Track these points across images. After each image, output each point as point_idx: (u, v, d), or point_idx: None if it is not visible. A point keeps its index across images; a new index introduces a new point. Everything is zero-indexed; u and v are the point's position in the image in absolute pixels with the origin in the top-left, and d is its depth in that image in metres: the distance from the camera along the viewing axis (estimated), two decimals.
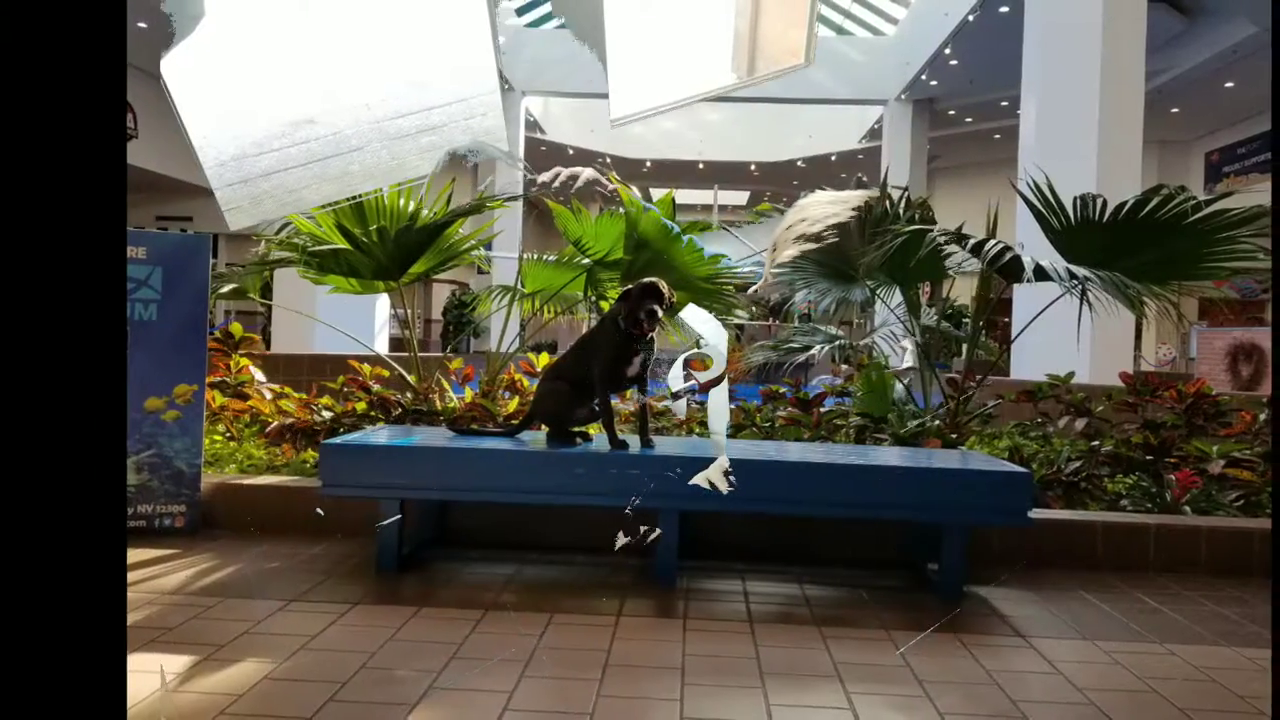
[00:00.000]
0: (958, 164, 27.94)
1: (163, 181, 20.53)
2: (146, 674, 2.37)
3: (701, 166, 30.84)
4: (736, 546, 3.90)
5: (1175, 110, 20.48)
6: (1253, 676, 2.67)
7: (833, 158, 28.96)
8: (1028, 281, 4.68)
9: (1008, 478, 3.35)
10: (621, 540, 2.99)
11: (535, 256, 5.59)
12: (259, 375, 5.56)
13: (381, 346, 11.41)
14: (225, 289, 5.70)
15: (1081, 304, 4.63)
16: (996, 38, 17.32)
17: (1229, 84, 18.59)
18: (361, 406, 4.88)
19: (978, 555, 3.78)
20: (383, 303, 11.22)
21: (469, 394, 5.22)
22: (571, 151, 27.88)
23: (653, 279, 3.53)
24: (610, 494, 3.39)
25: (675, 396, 3.29)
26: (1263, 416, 4.89)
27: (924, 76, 21.31)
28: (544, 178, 5.03)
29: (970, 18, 17.45)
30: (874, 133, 26.01)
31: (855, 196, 5.12)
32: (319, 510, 3.93)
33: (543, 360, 5.56)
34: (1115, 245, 4.70)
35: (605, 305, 5.43)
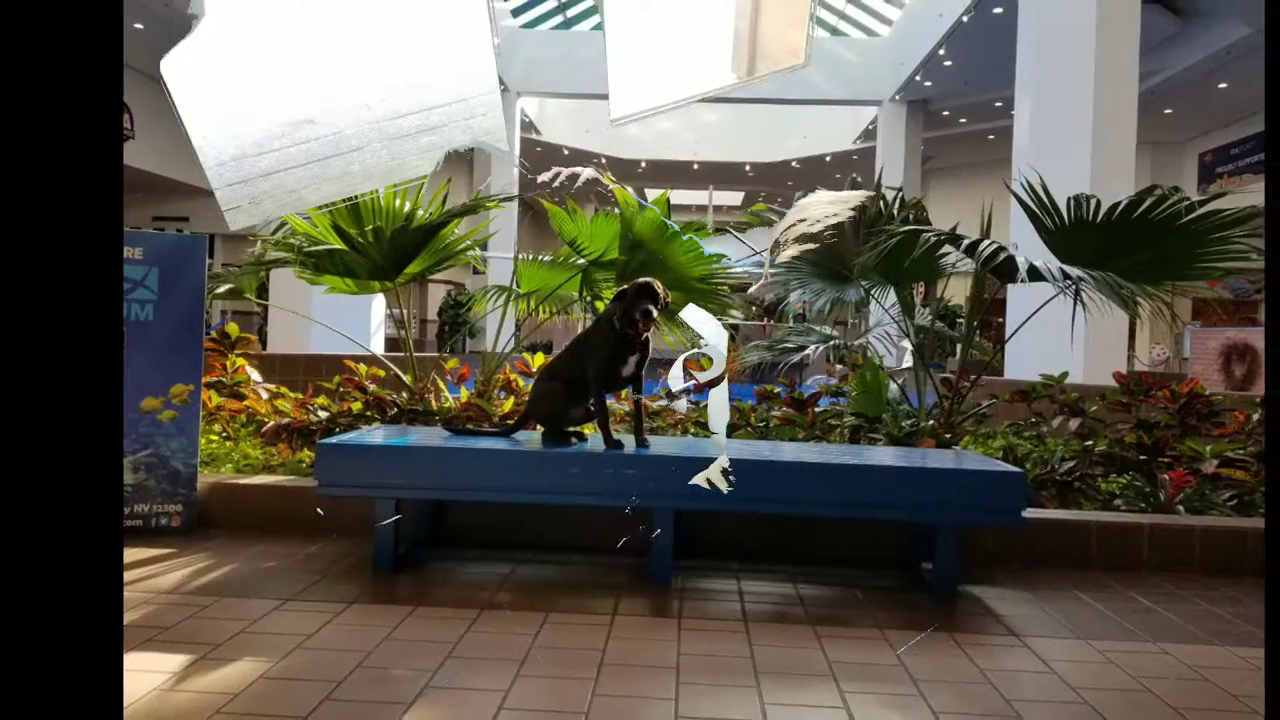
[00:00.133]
0: (952, 164, 27.99)
1: (159, 182, 20.54)
2: (143, 673, 2.37)
3: (696, 167, 30.86)
4: (731, 546, 3.91)
5: (1169, 111, 20.53)
6: (1246, 676, 2.68)
7: (827, 158, 29.00)
8: (1022, 282, 4.69)
9: (1002, 477, 3.36)
10: (626, 539, 2.99)
11: (530, 257, 5.59)
12: (255, 375, 5.56)
13: (377, 346, 11.40)
14: (221, 289, 5.70)
15: (1075, 304, 4.64)
16: (990, 39, 17.35)
17: (1222, 85, 18.64)
18: (357, 406, 4.88)
19: (972, 555, 3.79)
20: (378, 303, 11.22)
21: (464, 394, 5.23)
22: (567, 152, 27.89)
23: (648, 279, 3.54)
24: (605, 494, 3.40)
25: (671, 396, 3.31)
26: (1256, 416, 4.90)
27: (918, 77, 21.34)
28: (544, 177, 5.03)
29: (964, 19, 17.48)
30: (868, 133, 26.05)
31: (855, 196, 5.12)
32: (319, 510, 3.94)
33: (538, 360, 5.56)
34: (1109, 246, 4.72)
35: (600, 305, 5.44)
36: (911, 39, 20.68)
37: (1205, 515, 4.13)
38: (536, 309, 5.79)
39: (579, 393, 3.64)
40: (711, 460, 3.30)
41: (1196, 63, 17.39)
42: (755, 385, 6.15)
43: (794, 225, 4.61)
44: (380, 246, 4.91)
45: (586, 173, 5.16)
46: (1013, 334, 5.79)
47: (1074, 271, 4.54)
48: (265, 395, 5.31)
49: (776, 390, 5.71)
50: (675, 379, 3.29)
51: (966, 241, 4.73)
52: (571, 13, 24.28)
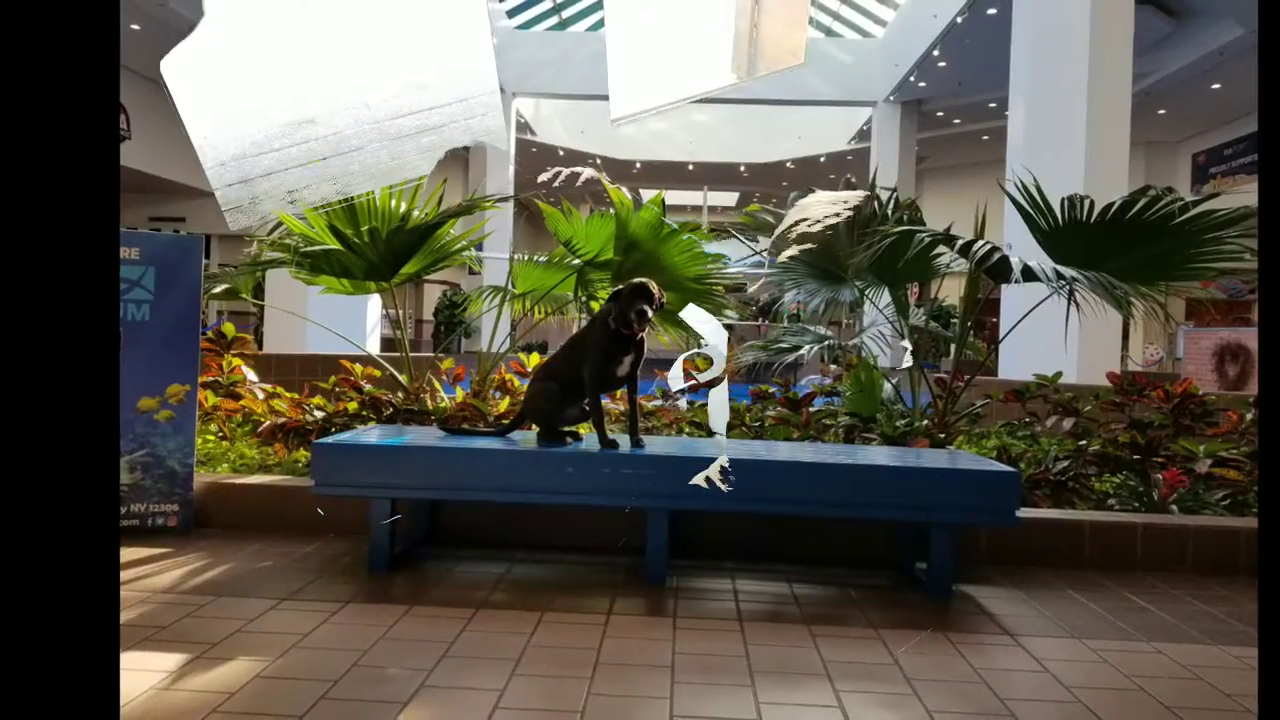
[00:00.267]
0: (946, 165, 28.05)
1: (156, 183, 20.54)
2: (139, 672, 2.37)
3: (691, 168, 30.89)
4: (726, 545, 3.91)
5: (1162, 112, 20.59)
6: (1239, 675, 2.69)
7: (822, 159, 29.05)
8: (1015, 282, 4.71)
9: (995, 477, 3.37)
10: (625, 540, 3.00)
11: (526, 257, 5.60)
12: (251, 375, 5.56)
13: (373, 347, 11.40)
14: (218, 289, 5.70)
15: (1069, 304, 4.66)
16: (985, 40, 17.40)
17: (1216, 86, 18.70)
18: (353, 406, 4.88)
19: (966, 554, 3.81)
20: (374, 303, 11.22)
21: (460, 394, 5.23)
22: (562, 153, 27.91)
23: (643, 280, 3.54)
24: (600, 493, 3.41)
25: (666, 396, 3.31)
26: (1249, 416, 4.92)
27: (912, 78, 21.39)
28: (545, 176, 5.04)
29: (959, 20, 17.53)
30: (863, 134, 26.10)
31: (854, 196, 5.15)
32: (319, 510, 3.95)
33: (533, 360, 5.57)
34: (1103, 246, 4.73)
35: (595, 305, 5.44)
36: (906, 40, 20.72)
37: (1199, 515, 4.15)
38: (532, 309, 5.80)
39: (574, 392, 3.65)
40: (707, 460, 3.31)
41: (1190, 63, 17.45)
42: (750, 385, 6.17)
43: (796, 224, 4.63)
44: (376, 247, 4.92)
45: (588, 172, 5.17)
46: (1007, 334, 5.81)
47: (1068, 272, 4.55)
48: (261, 395, 5.31)
49: (771, 390, 5.73)
50: (675, 379, 3.29)
51: (961, 242, 4.74)
52: (567, 14, 24.31)
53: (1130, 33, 10.31)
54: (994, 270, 4.76)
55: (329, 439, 3.58)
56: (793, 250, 4.87)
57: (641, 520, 3.46)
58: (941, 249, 5.17)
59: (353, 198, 4.29)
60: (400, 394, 5.10)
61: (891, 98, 23.02)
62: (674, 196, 32.42)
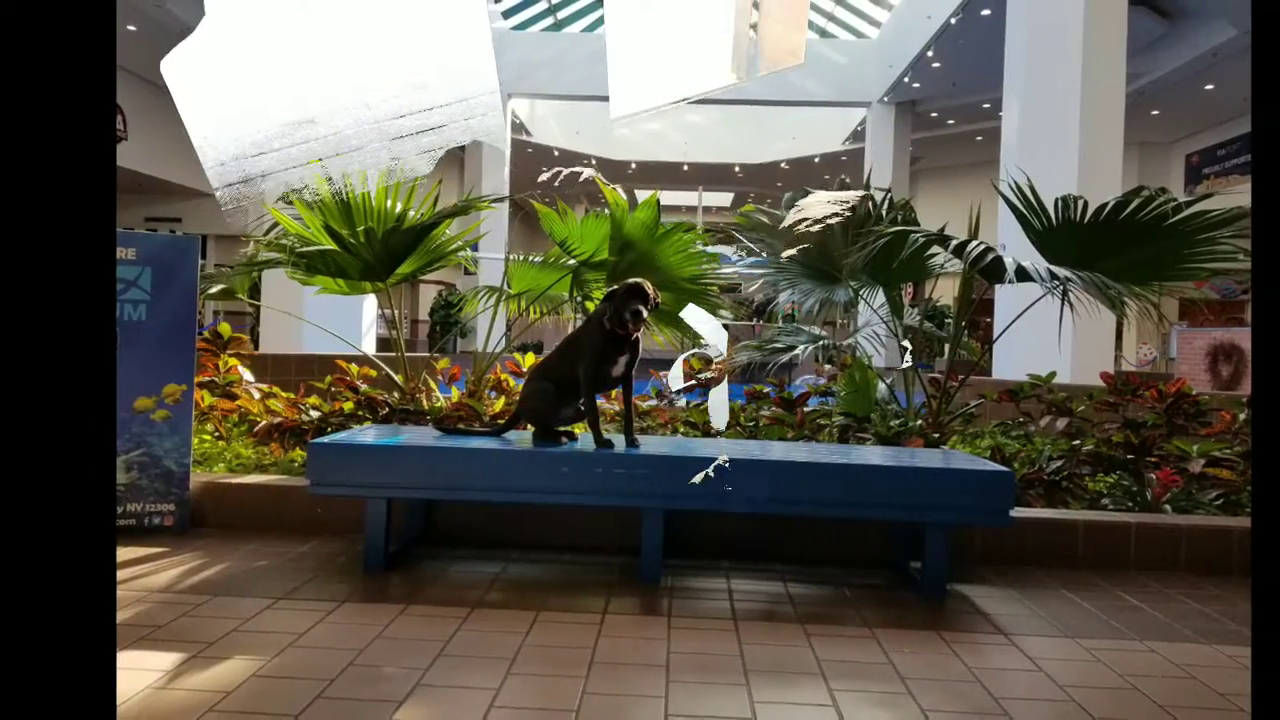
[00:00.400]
0: (940, 165, 28.11)
1: (152, 183, 20.52)
2: (136, 671, 2.37)
3: (686, 168, 30.91)
4: (721, 545, 3.92)
5: (1156, 112, 20.65)
6: (1233, 674, 2.70)
7: (816, 159, 29.09)
8: (1009, 282, 4.72)
9: (989, 477, 3.38)
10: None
11: (521, 257, 5.60)
12: (247, 375, 5.56)
13: (369, 347, 11.39)
14: (214, 289, 5.70)
15: (1063, 304, 4.67)
16: (978, 40, 17.44)
17: (1209, 86, 18.76)
18: (349, 406, 4.88)
19: (960, 554, 3.82)
20: (370, 303, 11.21)
21: (455, 394, 5.23)
22: (557, 153, 27.92)
23: (638, 280, 3.55)
24: (595, 493, 3.41)
25: (661, 396, 3.32)
26: (1242, 416, 4.94)
27: (906, 79, 21.43)
28: (546, 176, 5.05)
29: (952, 20, 17.57)
30: (857, 134, 26.15)
31: (852, 195, 5.17)
32: (318, 509, 3.95)
33: (529, 360, 5.57)
34: (1096, 246, 4.75)
35: (590, 306, 5.45)
36: (900, 41, 20.77)
37: (1192, 514, 4.16)
38: (527, 309, 5.81)
39: (570, 392, 3.65)
40: (702, 460, 3.32)
41: (1183, 64, 17.51)
42: (745, 385, 6.18)
43: (798, 224, 4.65)
44: (372, 247, 4.92)
45: (587, 172, 5.18)
46: (1000, 334, 5.83)
47: (1061, 272, 4.56)
48: (257, 395, 5.31)
49: (766, 390, 5.73)
50: (674, 379, 3.30)
51: (955, 242, 4.75)
52: (562, 15, 24.31)
53: (1124, 34, 10.35)
54: (988, 270, 4.77)
55: (325, 439, 3.58)
56: (791, 250, 4.88)
57: (636, 520, 3.46)
58: (936, 249, 5.18)
59: (346, 192, 4.29)
60: (396, 394, 5.10)
61: (886, 98, 23.06)
62: (669, 197, 32.46)
